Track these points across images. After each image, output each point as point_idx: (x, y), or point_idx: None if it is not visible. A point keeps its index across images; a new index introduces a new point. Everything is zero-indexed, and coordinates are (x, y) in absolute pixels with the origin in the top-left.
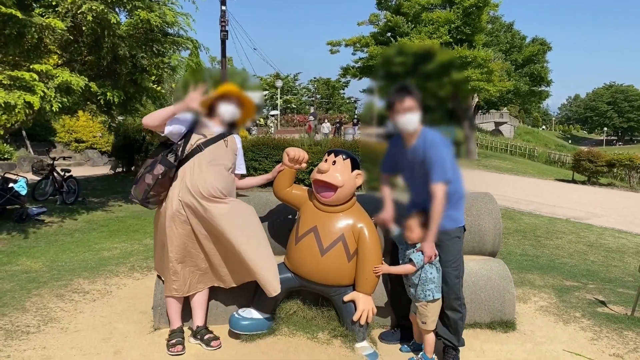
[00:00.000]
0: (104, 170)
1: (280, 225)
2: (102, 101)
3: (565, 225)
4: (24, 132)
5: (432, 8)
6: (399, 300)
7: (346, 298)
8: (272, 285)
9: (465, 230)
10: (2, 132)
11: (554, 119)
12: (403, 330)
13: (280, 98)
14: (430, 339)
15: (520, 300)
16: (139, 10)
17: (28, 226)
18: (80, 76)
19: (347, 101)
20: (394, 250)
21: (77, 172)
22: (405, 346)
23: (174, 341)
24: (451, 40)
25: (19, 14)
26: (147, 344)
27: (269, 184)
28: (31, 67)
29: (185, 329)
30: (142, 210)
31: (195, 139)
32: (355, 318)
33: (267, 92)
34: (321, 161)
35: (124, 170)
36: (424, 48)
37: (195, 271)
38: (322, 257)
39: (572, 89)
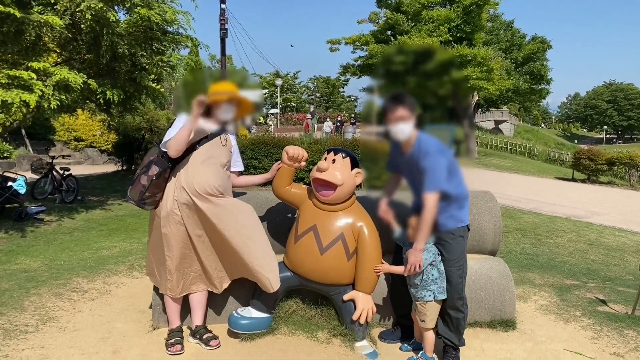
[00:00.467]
0: (104, 168)
1: (280, 224)
2: (101, 99)
3: (565, 224)
4: (23, 131)
5: (432, 6)
6: (399, 299)
7: (346, 297)
8: (269, 282)
9: (469, 229)
10: (0, 130)
11: (553, 117)
12: (403, 329)
13: (280, 96)
14: (430, 338)
15: (520, 299)
16: (138, 7)
17: (27, 225)
18: (79, 74)
19: (347, 99)
20: (397, 250)
21: (77, 170)
22: (405, 345)
23: (172, 340)
24: (451, 38)
25: (17, 12)
26: (146, 343)
27: (269, 182)
28: (29, 65)
29: (184, 328)
30: (141, 209)
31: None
32: (354, 317)
33: (266, 90)
34: (320, 160)
35: (124, 168)
36: (423, 46)
37: (189, 272)
38: (321, 256)
39: (572, 87)
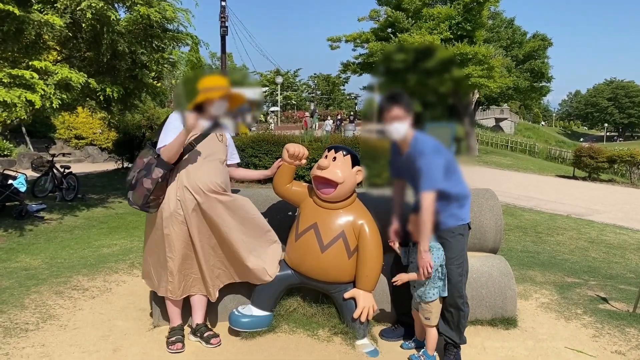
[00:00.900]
0: (104, 166)
1: (280, 221)
2: (101, 97)
3: (566, 222)
4: (23, 129)
5: (432, 4)
6: (399, 296)
7: (347, 295)
8: (259, 276)
9: (470, 228)
10: (0, 129)
11: (554, 115)
12: (404, 327)
13: (280, 94)
14: (432, 336)
15: (521, 297)
16: (138, 6)
17: (27, 223)
18: (79, 72)
19: (348, 97)
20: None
21: (77, 168)
22: (406, 343)
23: (173, 339)
24: (452, 36)
25: (16, 11)
26: (147, 341)
27: (269, 180)
28: (30, 63)
29: (185, 326)
30: None
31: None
32: (355, 315)
33: (267, 88)
34: (321, 157)
35: (124, 166)
36: (424, 44)
37: (190, 274)
38: (322, 254)
39: (573, 84)
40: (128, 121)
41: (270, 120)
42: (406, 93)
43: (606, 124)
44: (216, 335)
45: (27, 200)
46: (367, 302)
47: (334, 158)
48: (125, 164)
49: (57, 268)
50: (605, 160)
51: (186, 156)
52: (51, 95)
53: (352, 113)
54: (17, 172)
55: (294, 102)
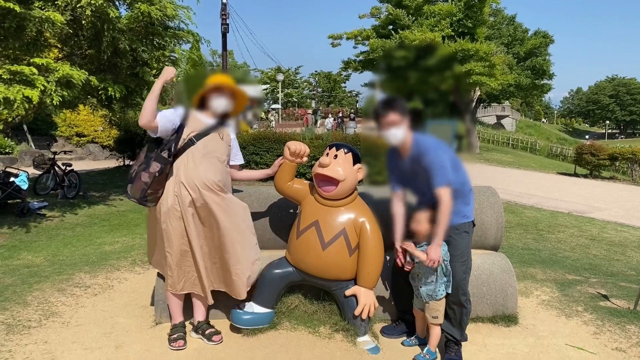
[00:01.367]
0: (105, 164)
1: (282, 219)
2: (102, 95)
3: (567, 219)
4: (25, 126)
5: (434, 1)
6: (400, 294)
7: (348, 292)
8: (237, 290)
9: (474, 225)
10: (1, 127)
11: (555, 112)
12: (405, 324)
13: (281, 92)
14: (437, 334)
15: (522, 294)
16: (138, 3)
17: (29, 220)
18: (80, 70)
19: (349, 95)
20: None
21: (78, 166)
22: (407, 340)
23: (175, 336)
24: (453, 33)
25: (17, 8)
26: (149, 338)
27: (270, 178)
28: (31, 60)
29: (186, 323)
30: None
31: (187, 133)
32: (356, 312)
33: (268, 85)
34: (322, 155)
35: (125, 164)
36: (425, 41)
37: (191, 272)
38: (323, 251)
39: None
40: (129, 119)
41: (271, 118)
42: (400, 97)
43: (607, 122)
44: (218, 333)
45: (28, 198)
46: (368, 299)
47: (335, 156)
48: (127, 162)
49: (59, 265)
50: (606, 157)
51: (185, 152)
52: (52, 92)
53: (352, 111)
54: (18, 169)
55: (295, 100)
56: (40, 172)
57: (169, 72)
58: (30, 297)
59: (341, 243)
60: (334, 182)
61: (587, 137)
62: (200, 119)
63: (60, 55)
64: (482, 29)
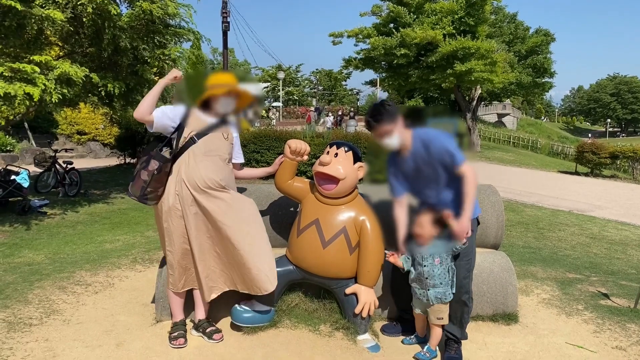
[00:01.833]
0: (106, 162)
1: (282, 217)
2: (103, 93)
3: (568, 218)
4: (26, 124)
5: None
6: (400, 292)
7: (348, 291)
8: (269, 279)
9: (479, 223)
10: (3, 123)
11: (557, 110)
12: (405, 322)
13: (282, 90)
14: (438, 333)
15: (522, 293)
16: (140, 1)
17: (30, 218)
18: (80, 67)
19: (350, 93)
20: None
21: (79, 164)
22: (407, 338)
23: (176, 334)
24: (454, 31)
25: (18, 6)
26: (149, 336)
27: (271, 176)
28: (31, 58)
29: (187, 321)
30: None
31: (188, 131)
32: (357, 310)
33: (269, 83)
34: (323, 153)
35: (126, 162)
36: (426, 39)
37: (191, 269)
38: (323, 249)
39: (575, 80)
40: (130, 117)
41: (272, 116)
42: (383, 105)
43: (609, 120)
44: (218, 331)
45: (29, 196)
46: (368, 297)
47: (336, 154)
48: (128, 160)
49: (60, 263)
50: (607, 156)
51: (186, 151)
52: (52, 90)
53: (352, 109)
54: (19, 167)
55: (296, 98)
56: (41, 170)
57: (174, 74)
58: (31, 294)
59: (341, 241)
60: (334, 180)
61: (589, 135)
62: (202, 118)
63: (61, 53)
64: (483, 27)
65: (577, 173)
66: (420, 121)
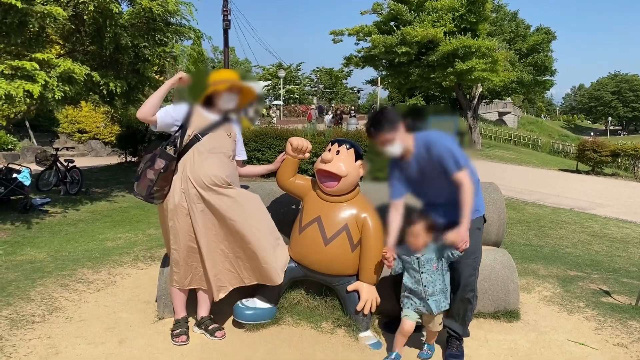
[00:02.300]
0: (107, 160)
1: (284, 215)
2: (104, 91)
3: (569, 215)
4: (27, 123)
5: None
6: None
7: (350, 288)
8: (272, 277)
9: (485, 221)
10: (4, 123)
11: (558, 108)
12: None
13: (283, 88)
14: (433, 331)
15: (524, 290)
16: None
17: (32, 216)
18: (82, 65)
19: (350, 91)
20: (400, 242)
21: (80, 162)
22: (424, 352)
23: (178, 331)
24: (455, 29)
25: (19, 4)
26: (152, 333)
27: (272, 174)
28: (33, 56)
29: (189, 318)
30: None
31: (192, 129)
32: (358, 308)
33: (269, 82)
34: (324, 151)
35: (127, 160)
36: (427, 37)
37: (197, 267)
38: (325, 247)
39: (576, 78)
40: (131, 115)
41: (273, 115)
42: (383, 112)
43: (610, 118)
44: (221, 328)
45: (31, 194)
46: (370, 294)
47: (338, 151)
48: (129, 158)
49: (62, 261)
50: (608, 154)
51: (191, 149)
52: (54, 87)
53: (352, 108)
54: (21, 166)
55: (296, 96)
56: (42, 169)
57: (180, 75)
58: (34, 292)
59: (343, 239)
60: (336, 177)
61: (591, 133)
62: (205, 116)
63: (62, 51)
64: (484, 25)
65: (578, 171)
66: (422, 121)
